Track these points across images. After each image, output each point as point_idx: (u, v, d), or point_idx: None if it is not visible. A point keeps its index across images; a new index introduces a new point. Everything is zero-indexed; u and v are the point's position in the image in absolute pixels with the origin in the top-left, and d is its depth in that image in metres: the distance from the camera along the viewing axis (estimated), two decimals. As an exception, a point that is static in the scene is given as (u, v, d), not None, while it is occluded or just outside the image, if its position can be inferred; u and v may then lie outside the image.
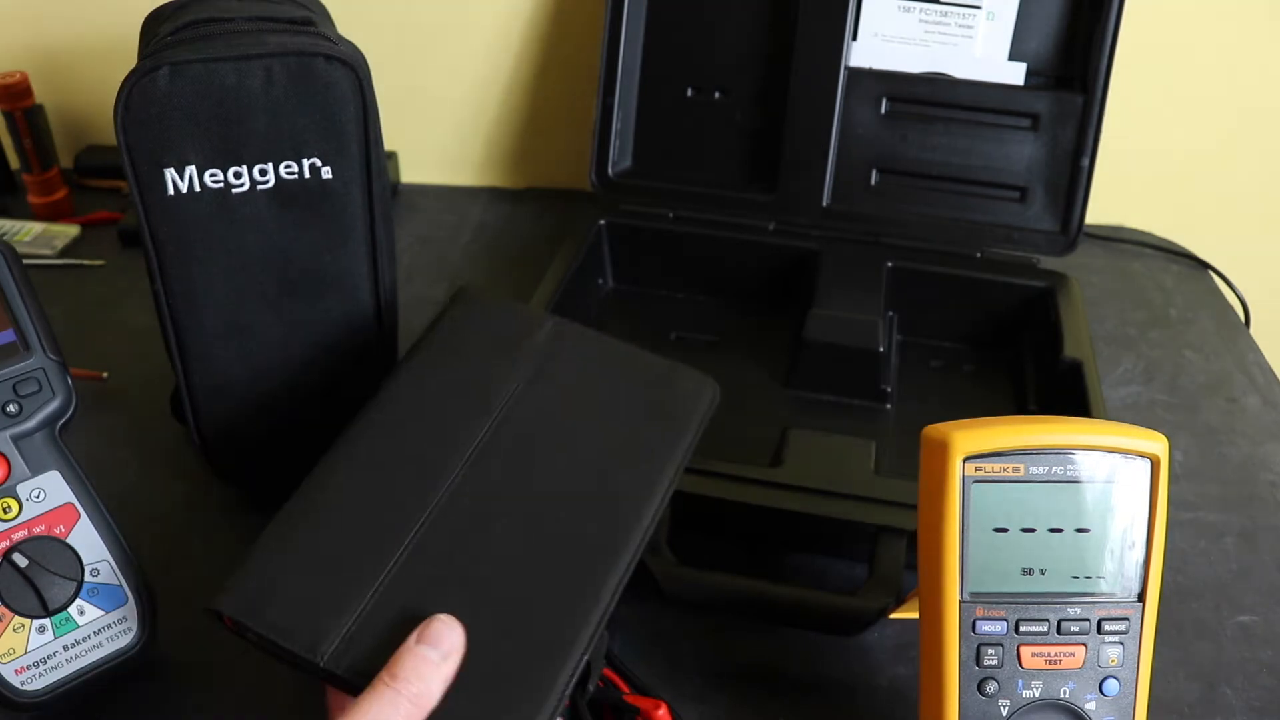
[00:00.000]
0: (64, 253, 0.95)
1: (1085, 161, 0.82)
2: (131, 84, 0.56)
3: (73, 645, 0.53)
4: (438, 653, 0.44)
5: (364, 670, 0.45)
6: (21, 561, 0.52)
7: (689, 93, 0.89)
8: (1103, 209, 1.01)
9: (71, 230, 0.97)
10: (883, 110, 0.85)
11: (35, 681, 0.52)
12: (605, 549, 0.50)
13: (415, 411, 0.55)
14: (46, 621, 0.52)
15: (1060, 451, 0.47)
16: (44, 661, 0.52)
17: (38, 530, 0.53)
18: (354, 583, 0.48)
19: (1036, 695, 0.47)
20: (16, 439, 0.53)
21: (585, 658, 0.47)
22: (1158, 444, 0.48)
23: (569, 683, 0.46)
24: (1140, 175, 1.01)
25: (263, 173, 0.59)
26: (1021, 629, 0.47)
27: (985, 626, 0.48)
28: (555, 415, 0.56)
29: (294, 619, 0.47)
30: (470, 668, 0.45)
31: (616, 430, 0.56)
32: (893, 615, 0.56)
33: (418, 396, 0.56)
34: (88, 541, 0.54)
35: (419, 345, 0.59)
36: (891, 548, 0.59)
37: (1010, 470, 0.47)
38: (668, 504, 0.54)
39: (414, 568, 0.49)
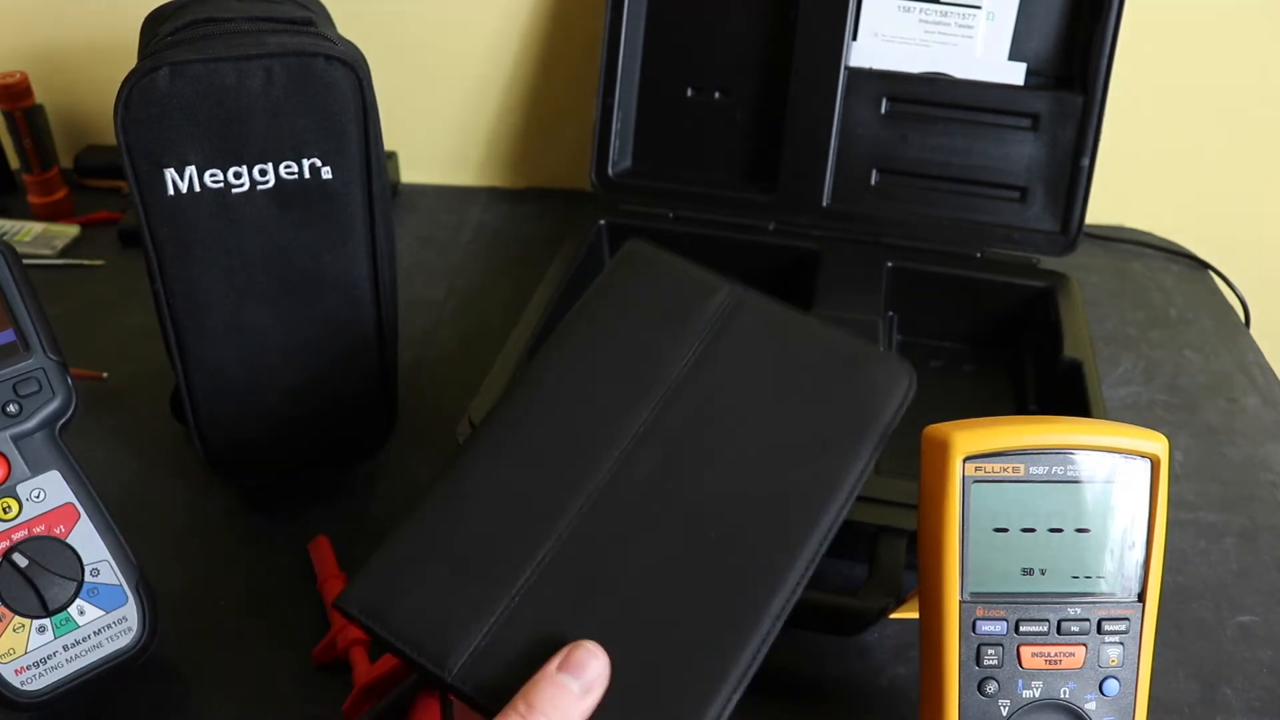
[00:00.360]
0: (64, 253, 0.95)
1: (1085, 161, 0.82)
2: (131, 84, 0.56)
3: (73, 645, 0.53)
4: (579, 684, 0.40)
5: (494, 691, 0.41)
6: (21, 561, 0.52)
7: (689, 93, 0.89)
8: (1103, 209, 1.01)
9: (71, 230, 0.97)
10: (883, 110, 0.85)
11: (35, 681, 0.52)
12: (771, 567, 0.44)
13: (570, 391, 0.49)
14: (46, 621, 0.52)
15: (1060, 451, 0.47)
16: (44, 661, 0.52)
17: (38, 530, 0.53)
18: (490, 590, 0.43)
19: (1036, 695, 0.47)
20: (16, 439, 0.53)
21: (738, 694, 0.42)
22: (1158, 444, 0.48)
23: (728, 706, 0.41)
24: (1140, 175, 1.01)
25: (263, 173, 0.59)
26: (1021, 629, 0.47)
27: (985, 626, 0.48)
28: (726, 400, 0.49)
29: (423, 627, 0.43)
30: (612, 701, 0.41)
31: (795, 421, 0.49)
32: (893, 615, 0.56)
33: (574, 373, 0.50)
34: (88, 541, 0.54)
35: (580, 310, 0.53)
36: (891, 548, 0.59)
37: (1010, 470, 0.47)
38: (845, 514, 0.47)
39: (557, 576, 0.44)
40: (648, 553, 0.44)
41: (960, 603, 0.48)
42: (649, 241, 0.55)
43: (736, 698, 0.42)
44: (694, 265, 0.55)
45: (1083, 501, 0.47)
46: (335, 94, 0.59)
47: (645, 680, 0.41)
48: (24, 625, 0.52)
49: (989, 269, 0.83)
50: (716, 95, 0.89)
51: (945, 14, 0.84)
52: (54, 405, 0.54)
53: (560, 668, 0.40)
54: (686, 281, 0.54)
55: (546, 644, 0.42)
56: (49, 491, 0.54)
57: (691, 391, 0.49)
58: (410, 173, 1.08)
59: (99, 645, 0.54)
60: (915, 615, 0.51)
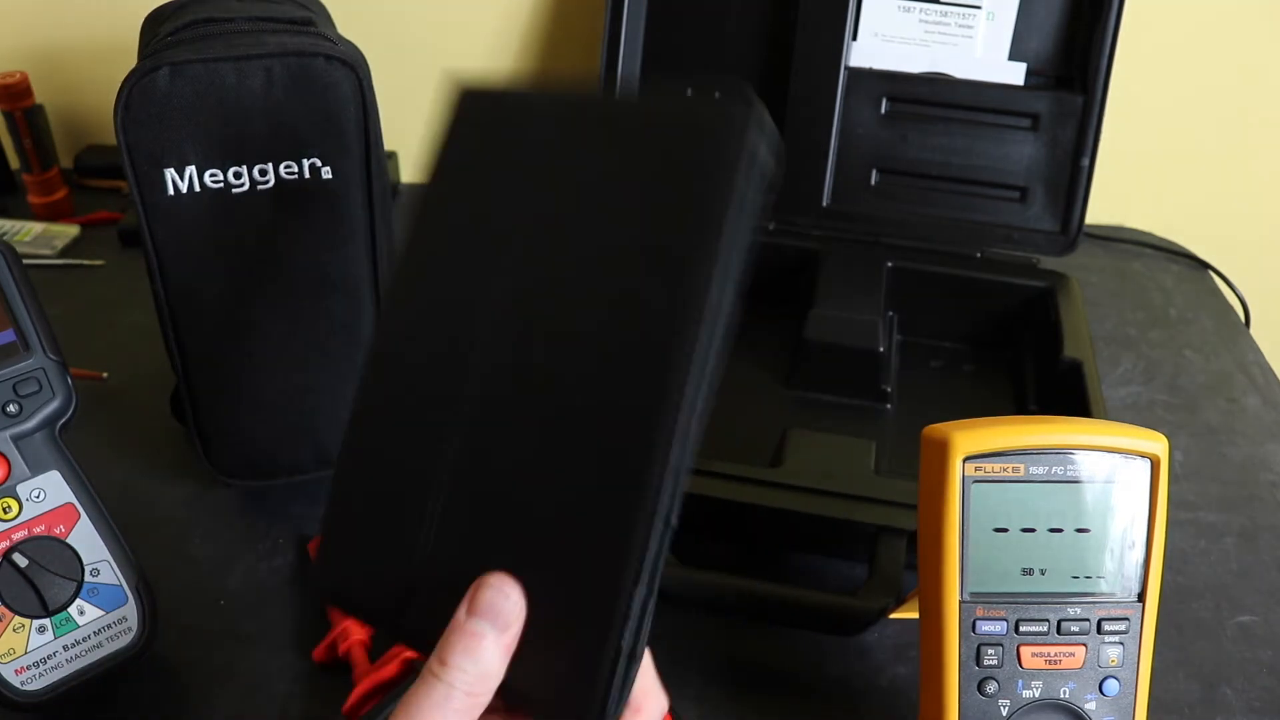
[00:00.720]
0: (64, 253, 0.95)
1: (1085, 161, 0.82)
2: (131, 84, 0.56)
3: (73, 645, 0.53)
4: (492, 625, 0.37)
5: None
6: (21, 561, 0.52)
7: (689, 93, 0.89)
8: (1103, 209, 1.01)
9: (71, 230, 0.97)
10: (883, 110, 0.85)
11: (35, 682, 0.52)
12: (644, 441, 0.37)
13: (427, 284, 0.44)
14: (46, 621, 0.52)
15: (1060, 451, 0.47)
16: (44, 662, 0.52)
17: (38, 530, 0.53)
18: (407, 539, 0.41)
19: (1036, 695, 0.47)
20: (16, 439, 0.53)
21: (643, 584, 0.37)
22: (1158, 444, 0.48)
23: (632, 596, 0.36)
24: (1140, 175, 1.01)
25: (263, 173, 0.59)
26: (1021, 629, 0.47)
27: (985, 626, 0.48)
28: (570, 243, 0.41)
29: (371, 593, 0.41)
30: (531, 621, 0.37)
31: (640, 224, 0.40)
32: (893, 615, 0.56)
33: (430, 257, 0.45)
34: (88, 541, 0.54)
35: (431, 178, 0.46)
36: (891, 548, 0.59)
37: (1010, 470, 0.47)
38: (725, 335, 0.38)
39: (456, 508, 0.40)
40: (528, 463, 0.39)
41: (960, 603, 0.48)
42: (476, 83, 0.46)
43: (643, 587, 0.37)
44: (520, 93, 0.46)
45: (1083, 501, 0.47)
46: (335, 94, 0.59)
47: (553, 596, 0.38)
48: (24, 625, 0.52)
49: (989, 269, 0.83)
50: (716, 95, 0.88)
51: (945, 14, 0.84)
52: (54, 405, 0.54)
53: (470, 613, 0.37)
54: (514, 113, 0.45)
55: (465, 582, 0.38)
56: (49, 491, 0.54)
57: (537, 250, 0.42)
58: (410, 173, 1.08)
59: (99, 645, 0.54)
60: (915, 615, 0.51)
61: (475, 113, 0.46)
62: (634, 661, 0.38)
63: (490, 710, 0.37)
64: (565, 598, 0.38)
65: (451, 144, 0.46)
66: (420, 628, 0.39)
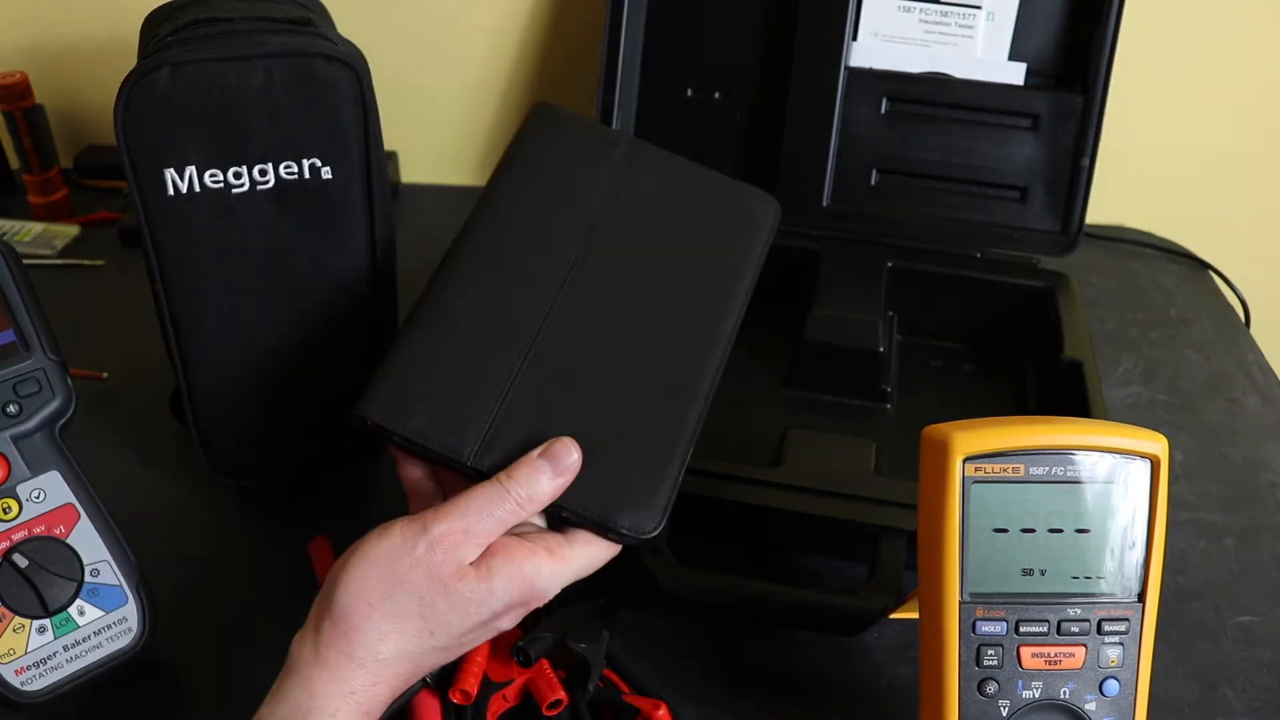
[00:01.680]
0: (64, 253, 0.95)
1: (1085, 161, 0.82)
2: (131, 84, 0.56)
3: (73, 645, 0.53)
4: (553, 468, 0.50)
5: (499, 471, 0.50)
6: (21, 562, 0.52)
7: (689, 93, 0.89)
8: (1103, 209, 1.01)
9: (71, 230, 0.97)
10: (883, 110, 0.85)
11: (35, 682, 0.52)
12: (697, 357, 0.56)
13: (515, 229, 0.59)
14: (46, 622, 0.52)
15: (1060, 452, 0.47)
16: (44, 662, 0.52)
17: (38, 530, 0.53)
18: (485, 390, 0.53)
19: (1036, 696, 0.47)
20: (16, 439, 0.53)
21: (691, 450, 0.53)
22: (1158, 444, 0.48)
23: (681, 469, 0.52)
24: (1140, 175, 1.01)
25: (263, 173, 0.59)
26: (1021, 629, 0.47)
27: (985, 627, 0.48)
28: (638, 231, 0.60)
29: (437, 424, 0.52)
30: (590, 469, 0.51)
31: (693, 246, 0.60)
32: (893, 615, 0.56)
33: (515, 214, 0.59)
34: (88, 541, 0.54)
35: (507, 163, 0.61)
36: (892, 548, 0.59)
37: (1010, 470, 0.47)
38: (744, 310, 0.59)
39: (533, 380, 0.53)
40: (598, 356, 0.55)
41: (960, 603, 0.48)
42: (554, 104, 0.65)
43: (691, 450, 0.53)
44: (595, 121, 0.68)
45: (1083, 502, 0.47)
46: (335, 94, 0.59)
47: (612, 461, 0.51)
48: (24, 625, 0.52)
49: (989, 269, 0.83)
50: (716, 95, 0.89)
51: (945, 14, 0.84)
52: (54, 405, 0.54)
53: (540, 455, 0.50)
54: (593, 133, 0.65)
55: (532, 435, 0.51)
56: (49, 492, 0.54)
57: (611, 224, 0.59)
58: (410, 173, 1.08)
59: (99, 645, 0.54)
60: (915, 615, 0.51)
61: (553, 122, 0.63)
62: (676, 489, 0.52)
63: (534, 531, 0.51)
64: (621, 467, 0.51)
65: (532, 139, 0.62)
66: (480, 459, 0.51)
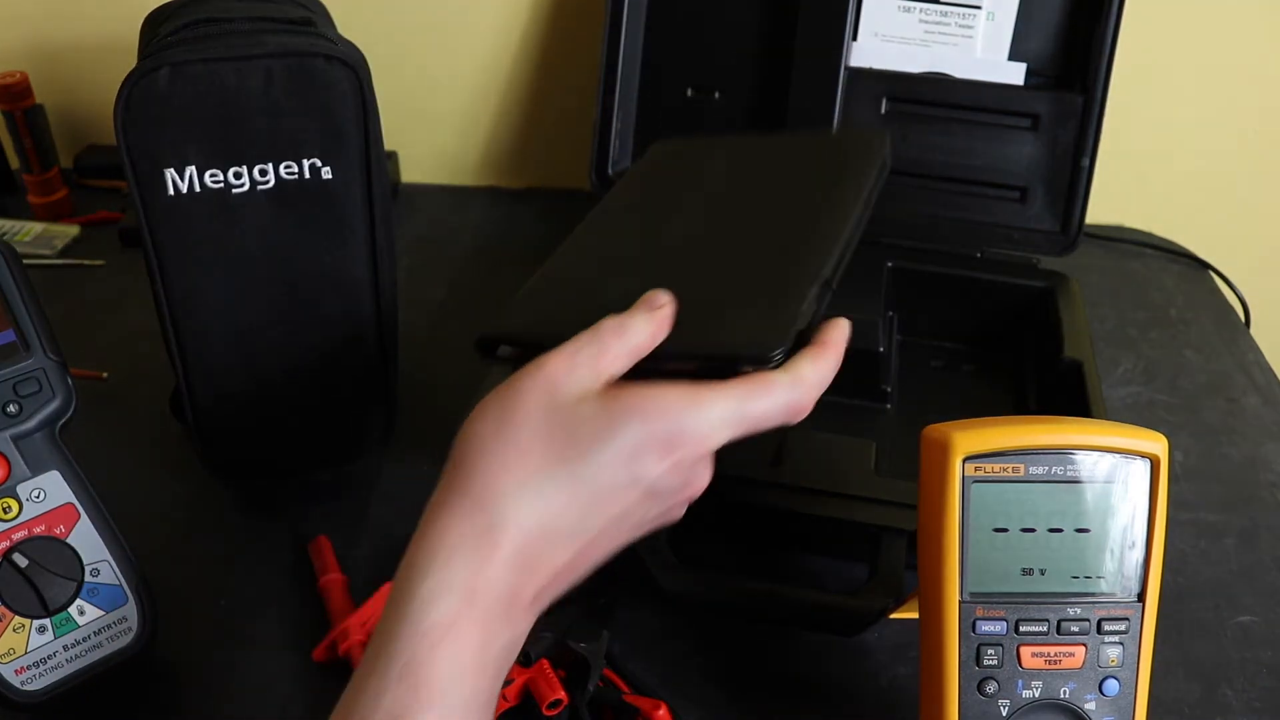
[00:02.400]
0: (64, 253, 0.95)
1: (1085, 161, 0.82)
2: (131, 84, 0.56)
3: (73, 645, 0.53)
4: (647, 314, 0.47)
5: None
6: (21, 561, 0.52)
7: (689, 93, 0.89)
8: (1103, 209, 1.01)
9: (71, 230, 0.97)
10: (883, 110, 0.85)
11: (35, 682, 0.52)
12: (824, 237, 0.54)
13: (634, 203, 0.63)
14: (46, 622, 0.52)
15: (1060, 451, 0.47)
16: (44, 662, 0.52)
17: (38, 530, 0.53)
18: (600, 307, 0.48)
19: (1036, 695, 0.47)
20: (16, 439, 0.53)
21: (827, 291, 0.51)
22: (1158, 444, 0.48)
23: (812, 300, 0.49)
24: (1140, 175, 1.01)
25: (263, 173, 0.59)
26: (1021, 629, 0.47)
27: (985, 626, 0.48)
28: (753, 187, 0.62)
29: (554, 336, 0.47)
30: (704, 311, 0.48)
31: (807, 176, 0.61)
32: (893, 615, 0.56)
33: (633, 197, 0.64)
34: (88, 541, 0.54)
35: (622, 179, 0.67)
36: (892, 548, 0.59)
37: (1010, 470, 0.47)
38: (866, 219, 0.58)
39: (657, 281, 0.50)
40: (725, 257, 0.55)
41: (960, 603, 0.48)
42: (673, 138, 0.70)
43: (820, 302, 0.50)
44: (707, 138, 0.70)
45: (1083, 501, 0.47)
46: (335, 94, 0.59)
47: (730, 303, 0.50)
48: (24, 625, 0.52)
49: (989, 269, 0.83)
50: (716, 95, 0.89)
51: (945, 14, 0.84)
52: (54, 405, 0.54)
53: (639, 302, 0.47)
54: (705, 141, 0.69)
55: None
56: (49, 491, 0.54)
57: (724, 191, 0.62)
58: (410, 173, 1.08)
59: (99, 645, 0.54)
60: (915, 615, 0.51)
61: (663, 151, 0.69)
62: (827, 290, 0.51)
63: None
64: (746, 290, 0.51)
65: (647, 161, 0.69)
66: None
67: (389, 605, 0.41)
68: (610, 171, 0.89)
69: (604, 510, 0.43)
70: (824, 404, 0.78)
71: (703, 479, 0.47)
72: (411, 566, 0.41)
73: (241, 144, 0.59)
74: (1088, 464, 0.47)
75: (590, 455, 0.42)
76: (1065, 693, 0.47)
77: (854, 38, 0.85)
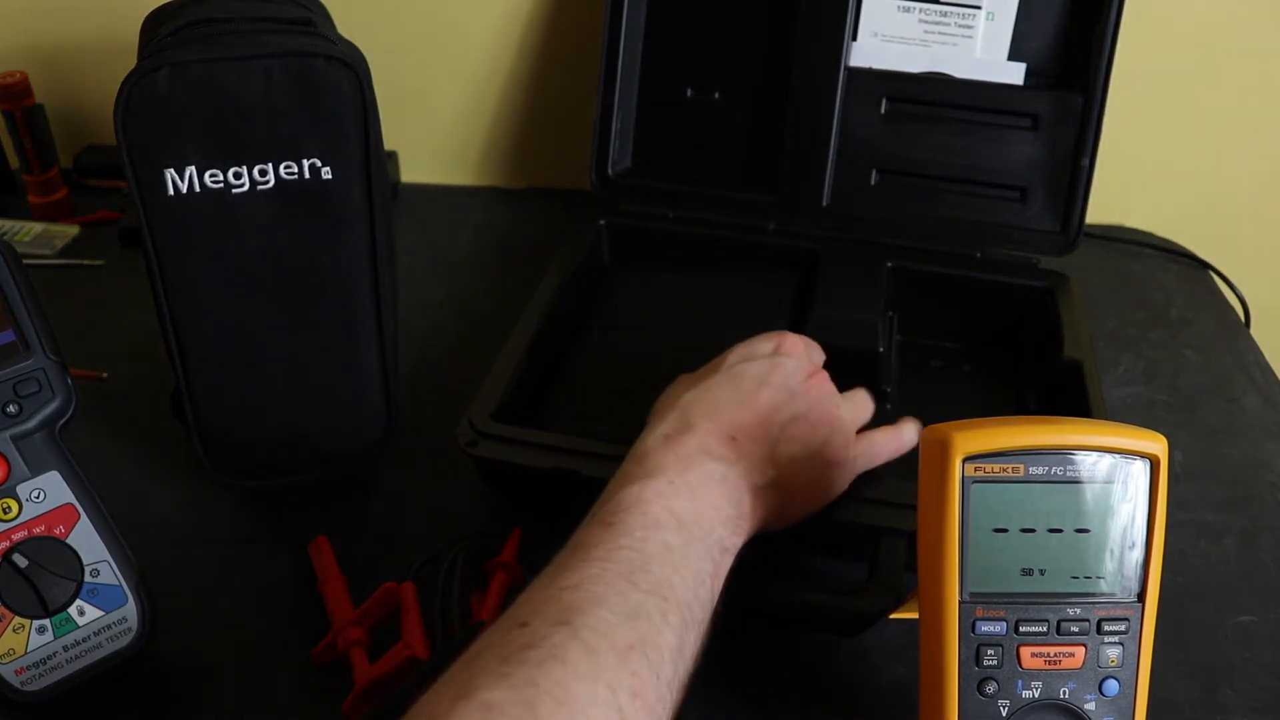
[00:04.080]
0: (64, 253, 0.95)
1: (1085, 161, 0.82)
2: (131, 84, 0.56)
3: (73, 646, 0.53)
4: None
5: None
6: (21, 562, 0.52)
7: (689, 93, 0.89)
8: (1103, 209, 1.01)
9: (71, 230, 0.97)
10: (883, 110, 0.85)
11: (35, 682, 0.52)
12: None
13: None
14: (46, 622, 0.52)
15: (1060, 451, 0.47)
16: (44, 662, 0.52)
17: (38, 530, 0.53)
18: None
19: (1036, 695, 0.47)
20: (16, 439, 0.53)
21: None
22: (1158, 444, 0.48)
23: None
24: (1140, 175, 1.01)
25: (263, 173, 0.59)
26: (1021, 629, 0.47)
27: (985, 627, 0.48)
28: None
29: None
30: None
31: None
32: (893, 615, 0.56)
33: None
34: (88, 541, 0.54)
35: None
36: (892, 548, 0.59)
37: (1010, 470, 0.47)
38: None
39: None
40: None
41: (960, 603, 0.48)
42: None
43: None
44: None
45: (1083, 501, 0.47)
46: (335, 94, 0.59)
47: None
48: (24, 626, 0.52)
49: (989, 269, 0.83)
50: (716, 95, 0.89)
51: (945, 14, 0.84)
52: (54, 405, 0.54)
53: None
54: None
55: None
56: (49, 492, 0.54)
57: None
58: (410, 173, 1.08)
59: (99, 645, 0.54)
60: (915, 615, 0.51)
61: None
62: None
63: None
64: None
65: None
66: None
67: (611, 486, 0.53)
68: (610, 171, 0.89)
69: (747, 372, 0.59)
70: (824, 404, 0.79)
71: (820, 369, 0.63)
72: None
73: (241, 144, 0.59)
74: (1088, 464, 0.47)
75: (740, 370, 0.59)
76: (1065, 693, 0.47)
77: (854, 38, 0.85)
